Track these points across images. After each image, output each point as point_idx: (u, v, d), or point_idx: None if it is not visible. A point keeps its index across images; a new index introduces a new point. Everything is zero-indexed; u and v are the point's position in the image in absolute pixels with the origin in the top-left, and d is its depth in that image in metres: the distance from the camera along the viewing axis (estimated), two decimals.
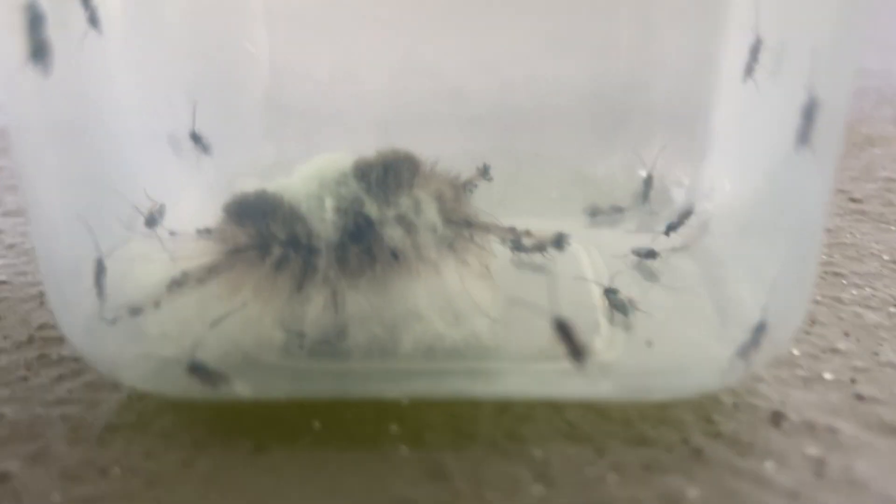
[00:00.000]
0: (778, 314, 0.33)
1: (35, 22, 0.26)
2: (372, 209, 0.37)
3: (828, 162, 0.32)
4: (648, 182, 0.50)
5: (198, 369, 0.32)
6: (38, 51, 0.26)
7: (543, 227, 0.43)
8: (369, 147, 0.52)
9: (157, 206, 0.41)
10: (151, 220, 0.41)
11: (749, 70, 0.38)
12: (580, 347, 0.31)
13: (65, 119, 0.33)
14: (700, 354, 0.36)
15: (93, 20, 0.31)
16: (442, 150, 0.43)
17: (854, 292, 0.44)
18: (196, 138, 0.48)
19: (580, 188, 0.52)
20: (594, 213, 0.50)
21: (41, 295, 0.44)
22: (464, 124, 0.53)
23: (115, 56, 0.40)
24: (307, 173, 0.38)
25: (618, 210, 0.50)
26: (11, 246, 0.51)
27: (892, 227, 0.53)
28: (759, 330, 0.33)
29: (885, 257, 0.49)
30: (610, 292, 0.40)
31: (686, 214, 0.47)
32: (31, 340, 0.40)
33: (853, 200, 0.58)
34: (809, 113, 0.30)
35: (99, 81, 0.38)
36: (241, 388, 0.32)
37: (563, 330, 0.31)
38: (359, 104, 0.53)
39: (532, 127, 0.53)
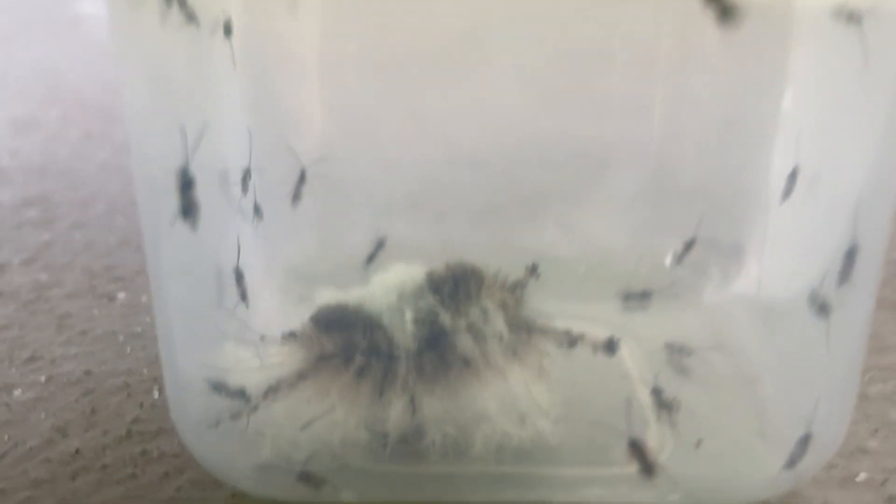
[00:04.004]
0: (823, 426, 0.36)
1: (187, 184, 0.30)
2: (446, 320, 0.41)
3: (869, 290, 0.36)
4: (690, 244, 0.49)
5: (306, 477, 0.36)
6: (188, 209, 0.30)
7: (577, 309, 0.47)
8: (403, 222, 0.55)
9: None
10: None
11: (787, 193, 0.42)
12: (651, 465, 0.35)
13: None
14: (749, 461, 0.39)
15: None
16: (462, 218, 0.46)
17: (879, 387, 0.47)
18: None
19: (608, 265, 0.53)
20: (627, 297, 0.51)
21: (127, 386, 0.46)
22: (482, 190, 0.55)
23: None
24: (386, 285, 0.42)
25: (647, 295, 0.53)
26: (84, 332, 0.51)
27: None
28: (805, 442, 0.36)
29: None
30: (657, 391, 0.43)
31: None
32: (129, 435, 0.42)
33: None
34: (851, 256, 0.34)
35: None
36: (346, 495, 0.36)
37: (636, 448, 0.35)
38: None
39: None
